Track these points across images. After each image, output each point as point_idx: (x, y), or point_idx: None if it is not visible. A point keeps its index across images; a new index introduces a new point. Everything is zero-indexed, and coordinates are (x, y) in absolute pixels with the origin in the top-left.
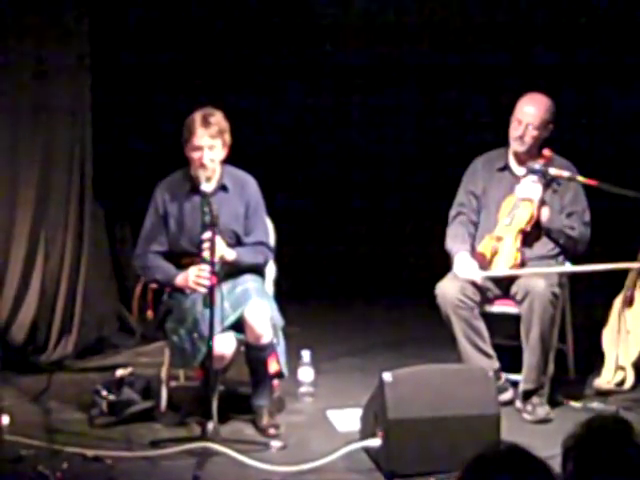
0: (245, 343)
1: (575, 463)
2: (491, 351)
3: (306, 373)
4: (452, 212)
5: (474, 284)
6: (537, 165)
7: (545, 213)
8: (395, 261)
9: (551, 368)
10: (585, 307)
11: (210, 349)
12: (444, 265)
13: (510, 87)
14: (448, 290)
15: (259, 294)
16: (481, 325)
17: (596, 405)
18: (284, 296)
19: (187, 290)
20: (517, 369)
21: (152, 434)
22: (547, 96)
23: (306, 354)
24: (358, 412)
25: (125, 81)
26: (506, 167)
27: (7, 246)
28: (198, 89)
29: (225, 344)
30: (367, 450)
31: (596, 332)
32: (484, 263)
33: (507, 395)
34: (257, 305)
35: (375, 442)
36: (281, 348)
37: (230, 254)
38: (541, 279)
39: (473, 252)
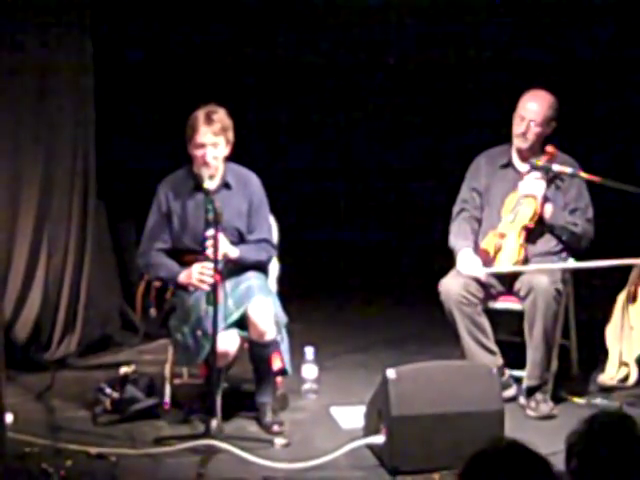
0: (249, 340)
1: (579, 459)
2: (494, 347)
3: (310, 370)
4: (455, 208)
5: (477, 280)
6: (540, 161)
7: (548, 209)
8: (399, 258)
9: (555, 364)
10: (588, 303)
11: (214, 346)
12: (447, 262)
13: (513, 84)
14: (451, 287)
15: (262, 291)
16: (484, 321)
17: (600, 401)
18: (287, 293)
19: (190, 288)
20: (521, 365)
21: (156, 432)
22: (550, 93)
23: (309, 351)
24: (362, 409)
25: (128, 79)
26: (509, 164)
27: (10, 244)
28: (202, 87)
29: (228, 341)
30: (371, 447)
31: (599, 328)
32: (487, 259)
33: (511, 391)
34: (260, 302)
35: (379, 439)
36: (285, 345)
37: (233, 252)
38: (544, 275)
39: (476, 249)
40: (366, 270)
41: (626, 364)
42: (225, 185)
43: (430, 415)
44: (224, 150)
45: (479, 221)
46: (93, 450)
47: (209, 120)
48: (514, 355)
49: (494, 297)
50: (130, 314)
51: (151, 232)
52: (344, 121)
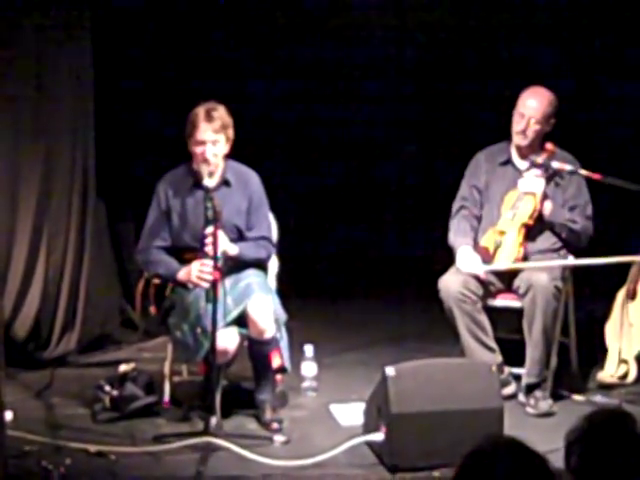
0: (248, 338)
1: (578, 456)
2: (494, 345)
3: (309, 368)
4: (455, 206)
5: (477, 278)
6: (540, 159)
7: (548, 207)
8: (398, 255)
9: (554, 362)
10: (588, 300)
11: (213, 344)
12: (447, 259)
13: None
14: (451, 284)
15: (262, 289)
16: (484, 319)
17: (599, 398)
18: (287, 291)
19: (190, 285)
20: (520, 363)
21: (155, 429)
22: (549, 90)
23: (309, 349)
24: (361, 406)
25: (127, 78)
26: (509, 161)
27: (10, 243)
28: (200, 86)
29: (228, 339)
30: (370, 444)
31: (599, 325)
32: (487, 257)
33: (510, 389)
34: (260, 300)
35: (378, 436)
36: (284, 343)
37: (233, 249)
38: (544, 273)
39: (476, 246)
40: (366, 268)
41: (625, 361)
42: (225, 183)
43: (429, 413)
44: (224, 148)
45: (478, 218)
46: (92, 448)
47: (209, 117)
48: (513, 352)
49: (493, 294)
50: (129, 312)
51: (150, 229)
52: (343, 118)
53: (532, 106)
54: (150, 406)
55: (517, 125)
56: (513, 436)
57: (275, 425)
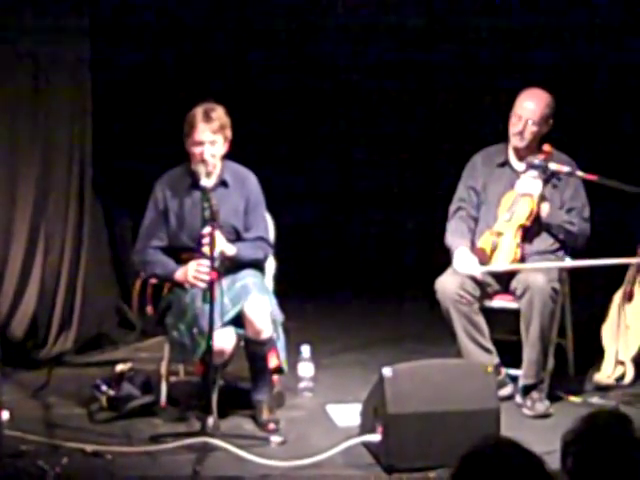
0: (245, 338)
1: (574, 458)
2: (491, 346)
3: (306, 368)
4: (452, 207)
5: (474, 279)
6: (537, 160)
7: (545, 208)
8: (395, 256)
9: (551, 363)
10: (585, 302)
11: (210, 344)
12: (444, 260)
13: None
14: (448, 285)
15: (259, 289)
16: (481, 320)
17: (596, 400)
18: (284, 291)
19: (187, 285)
20: (517, 364)
21: (152, 429)
22: (547, 91)
23: (306, 349)
24: (358, 407)
25: (125, 77)
26: (506, 163)
27: (7, 242)
28: (199, 85)
29: (225, 339)
30: (367, 445)
31: (596, 327)
32: (484, 258)
33: (507, 390)
34: (257, 300)
35: (375, 437)
36: (281, 343)
37: (230, 249)
38: (541, 274)
39: (473, 247)
40: (363, 268)
41: (622, 363)
42: (222, 183)
43: (426, 413)
44: (222, 148)
45: (476, 220)
46: (89, 447)
47: (207, 118)
48: (510, 354)
49: (490, 296)
50: (126, 311)
51: (147, 229)
52: (342, 118)
53: (529, 108)
54: (147, 406)
55: (514, 127)
56: (510, 437)
57: (272, 425)
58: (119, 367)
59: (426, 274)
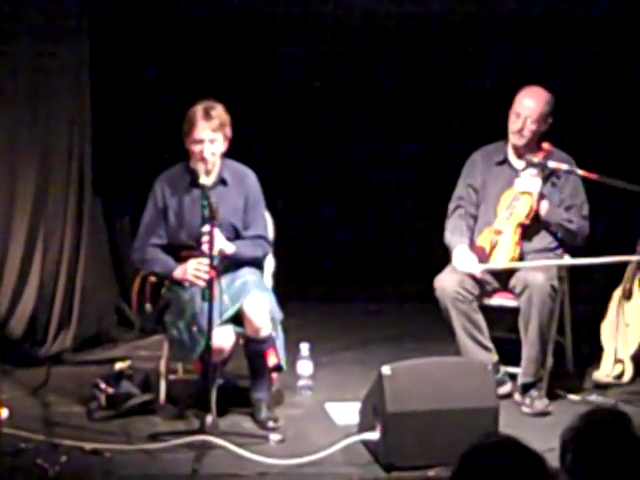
0: (244, 336)
1: (573, 456)
2: (490, 344)
3: (305, 366)
4: (451, 205)
5: (473, 277)
6: (536, 158)
7: (544, 206)
8: (394, 254)
9: (550, 361)
10: (584, 300)
11: (209, 342)
12: (443, 258)
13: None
14: (447, 283)
15: (258, 287)
16: (480, 318)
17: (595, 398)
18: (283, 289)
19: (186, 283)
20: (516, 362)
21: (151, 427)
22: (545, 89)
23: (305, 347)
24: (357, 405)
25: (124, 75)
26: (505, 161)
27: (6, 240)
28: (198, 84)
29: (224, 337)
30: (366, 443)
31: (595, 325)
32: (483, 256)
33: (506, 388)
34: (256, 298)
35: (374, 435)
36: (280, 341)
37: (229, 247)
38: (540, 272)
39: (472, 245)
40: (362, 266)
41: (621, 361)
42: (221, 181)
43: (425, 412)
44: (222, 146)
45: (475, 218)
46: (88, 446)
47: (207, 116)
48: (509, 352)
49: (489, 294)
50: (125, 310)
51: (147, 227)
52: (342, 117)
53: (528, 106)
54: (146, 404)
55: (513, 125)
56: (509, 435)
57: (270, 423)
58: (118, 365)
59: (425, 272)
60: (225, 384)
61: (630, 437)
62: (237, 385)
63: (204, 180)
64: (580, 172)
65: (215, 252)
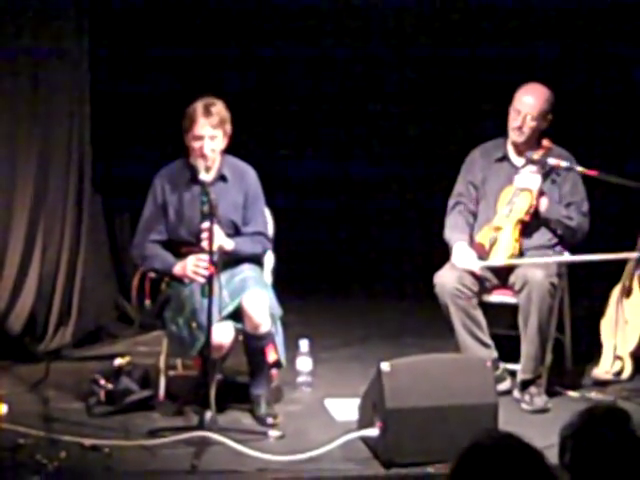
0: (243, 332)
1: (572, 453)
2: (489, 341)
3: (304, 363)
4: (451, 202)
5: (472, 274)
6: (536, 155)
7: (544, 203)
8: (394, 250)
9: (549, 358)
10: (583, 297)
11: (208, 338)
12: (443, 255)
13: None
14: (446, 280)
15: (257, 283)
16: (479, 315)
17: (594, 395)
18: (282, 286)
19: (185, 279)
20: (515, 359)
21: (150, 423)
22: (546, 86)
23: (304, 344)
24: (356, 402)
25: (124, 72)
26: (505, 157)
27: (5, 236)
28: (198, 80)
29: (223, 333)
30: (365, 439)
31: (594, 322)
32: (483, 253)
33: (505, 385)
34: (255, 294)
35: (373, 432)
36: (279, 338)
37: (229, 244)
38: (539, 269)
39: (472, 242)
40: (362, 263)
41: (620, 358)
42: (221, 177)
43: (424, 408)
44: (222, 143)
45: (474, 215)
46: (87, 441)
47: (208, 112)
48: (508, 348)
49: (489, 290)
50: (125, 305)
51: (146, 224)
52: (341, 112)
53: (528, 102)
54: (145, 400)
55: (513, 121)
56: (509, 431)
57: (270, 420)
58: (117, 361)
59: (425, 269)
60: (224, 380)
61: (629, 434)
62: (236, 381)
63: (204, 176)
64: (580, 169)
65: (215, 248)
